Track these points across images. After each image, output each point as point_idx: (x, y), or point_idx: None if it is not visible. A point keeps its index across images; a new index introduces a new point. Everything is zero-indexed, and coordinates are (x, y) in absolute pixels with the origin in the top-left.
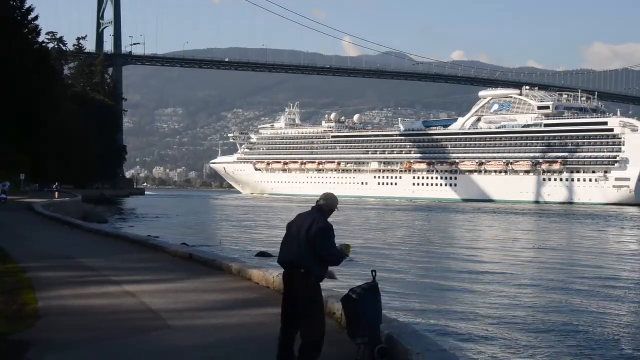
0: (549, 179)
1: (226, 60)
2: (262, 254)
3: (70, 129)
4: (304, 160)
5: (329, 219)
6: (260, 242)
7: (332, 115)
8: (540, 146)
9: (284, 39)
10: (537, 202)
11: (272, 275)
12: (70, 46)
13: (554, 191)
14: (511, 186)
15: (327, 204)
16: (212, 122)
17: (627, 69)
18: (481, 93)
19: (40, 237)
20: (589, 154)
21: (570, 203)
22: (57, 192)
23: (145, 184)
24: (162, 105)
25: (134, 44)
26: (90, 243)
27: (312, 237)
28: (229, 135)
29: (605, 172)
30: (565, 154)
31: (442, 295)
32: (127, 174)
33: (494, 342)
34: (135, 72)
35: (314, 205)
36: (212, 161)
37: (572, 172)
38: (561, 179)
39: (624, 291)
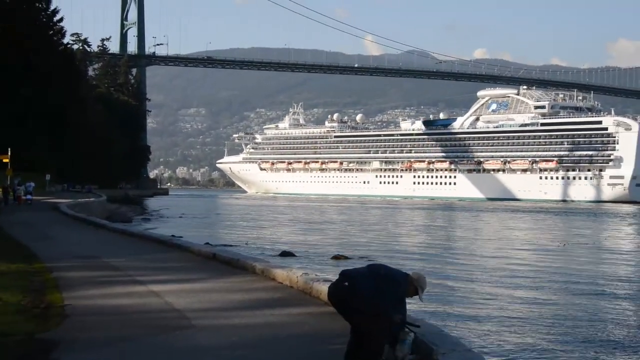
0: (546, 178)
1: (249, 60)
2: (285, 254)
3: (94, 130)
4: (308, 160)
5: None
6: (281, 242)
7: (335, 116)
8: (537, 145)
9: (306, 38)
10: (562, 200)
11: (296, 275)
12: (94, 47)
13: (550, 189)
14: (510, 185)
15: (417, 279)
16: (235, 122)
17: None
18: (480, 93)
19: (66, 237)
20: (584, 152)
21: (564, 201)
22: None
23: (169, 184)
24: (185, 105)
25: (158, 44)
26: (115, 243)
27: (383, 275)
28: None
29: (600, 170)
30: (561, 153)
31: (469, 295)
32: (151, 174)
33: (521, 343)
34: (159, 72)
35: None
36: (219, 161)
37: (567, 170)
38: (557, 177)
39: None
